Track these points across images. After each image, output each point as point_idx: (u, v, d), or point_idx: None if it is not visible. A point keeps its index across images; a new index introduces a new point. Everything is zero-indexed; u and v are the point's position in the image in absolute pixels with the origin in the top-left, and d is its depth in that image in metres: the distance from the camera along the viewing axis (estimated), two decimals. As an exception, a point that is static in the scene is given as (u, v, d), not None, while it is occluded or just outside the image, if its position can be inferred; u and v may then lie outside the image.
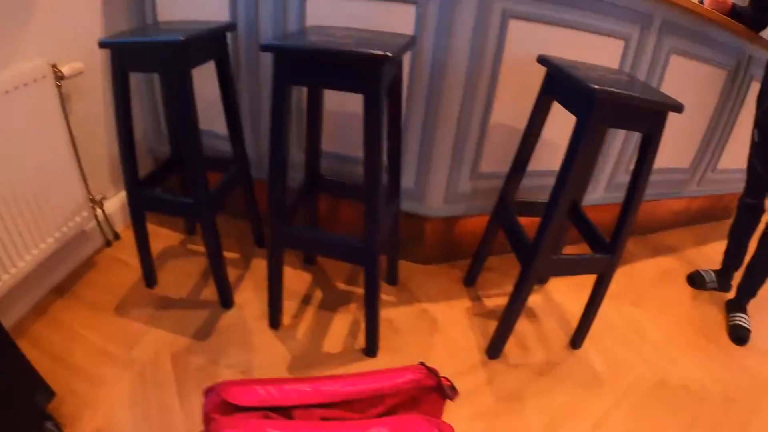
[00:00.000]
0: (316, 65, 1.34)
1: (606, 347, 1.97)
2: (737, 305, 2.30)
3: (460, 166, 1.98)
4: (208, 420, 0.94)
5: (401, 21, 1.75)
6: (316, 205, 2.03)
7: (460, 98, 1.83)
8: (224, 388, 0.96)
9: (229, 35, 1.85)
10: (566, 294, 2.20)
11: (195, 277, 2.03)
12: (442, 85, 1.80)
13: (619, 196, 2.42)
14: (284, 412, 0.96)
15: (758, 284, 2.24)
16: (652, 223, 2.90)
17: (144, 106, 2.22)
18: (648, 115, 1.51)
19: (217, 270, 1.81)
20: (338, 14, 1.79)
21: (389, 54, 1.25)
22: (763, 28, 2.30)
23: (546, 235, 1.58)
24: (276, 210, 1.56)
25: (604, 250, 1.75)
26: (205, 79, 1.94)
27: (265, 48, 1.33)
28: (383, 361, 1.73)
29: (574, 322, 1.96)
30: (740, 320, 2.22)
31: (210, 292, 1.94)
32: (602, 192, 2.40)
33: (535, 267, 1.63)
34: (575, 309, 2.08)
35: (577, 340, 1.93)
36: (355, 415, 0.99)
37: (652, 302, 2.31)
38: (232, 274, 2.05)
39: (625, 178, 2.42)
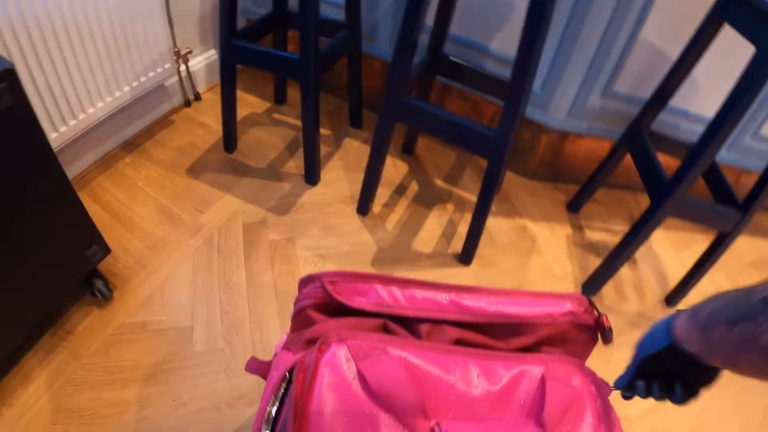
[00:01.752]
0: None
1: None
2: None
3: (596, 78, 1.75)
4: (305, 319, 0.75)
5: None
6: (430, 86, 1.83)
7: (610, 10, 1.60)
8: (333, 281, 0.74)
9: None
10: (668, 249, 2.03)
11: (279, 147, 1.89)
12: None
13: (743, 161, 2.20)
14: (408, 324, 0.74)
15: None
16: None
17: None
18: None
19: (309, 139, 1.66)
20: None
21: None
22: None
23: (691, 174, 1.38)
24: (397, 77, 1.39)
25: (737, 207, 1.56)
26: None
27: None
28: (475, 272, 1.59)
29: (672, 280, 1.80)
30: None
31: (294, 166, 1.80)
32: (725, 151, 2.18)
33: (668, 205, 1.45)
34: (673, 266, 1.91)
35: (673, 298, 1.77)
36: (498, 343, 0.78)
37: (748, 280, 2.13)
38: (322, 149, 1.90)
39: (752, 143, 2.19)
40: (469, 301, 0.78)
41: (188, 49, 1.90)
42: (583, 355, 0.85)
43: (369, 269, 1.50)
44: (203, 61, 2.04)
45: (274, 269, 1.47)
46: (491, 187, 1.43)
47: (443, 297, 0.77)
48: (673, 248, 2.02)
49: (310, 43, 1.47)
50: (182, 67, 1.92)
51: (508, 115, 1.31)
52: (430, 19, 1.62)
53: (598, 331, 0.82)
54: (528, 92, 1.30)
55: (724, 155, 2.19)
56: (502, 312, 0.78)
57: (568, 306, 0.82)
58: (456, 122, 1.40)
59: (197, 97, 2.05)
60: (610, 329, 0.82)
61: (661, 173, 1.51)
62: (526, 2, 1.15)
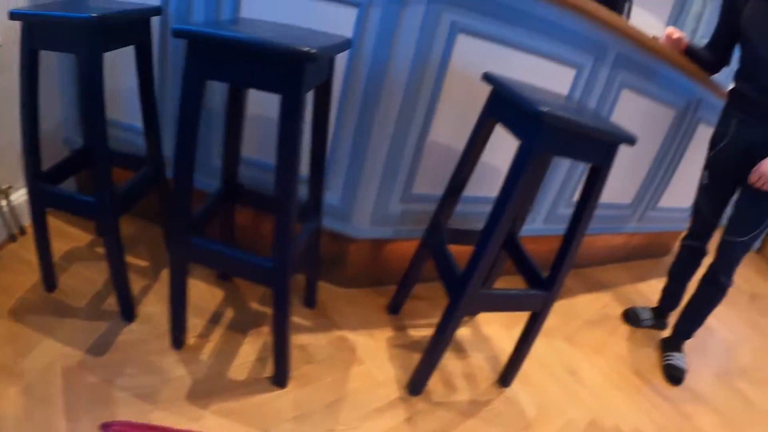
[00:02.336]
0: (232, 58, 1.17)
1: (537, 387, 1.87)
2: (673, 344, 2.29)
3: (392, 186, 1.83)
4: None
5: (342, 23, 1.60)
6: (232, 217, 1.84)
7: (397, 112, 1.70)
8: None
9: (157, 20, 1.70)
10: (497, 328, 2.09)
11: (98, 283, 1.82)
12: (379, 95, 1.66)
13: (559, 228, 2.35)
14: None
15: (695, 326, 2.24)
16: (588, 257, 2.84)
17: (66, 91, 1.99)
18: (599, 146, 1.41)
19: (117, 278, 1.61)
20: (276, 9, 1.63)
21: (313, 51, 1.09)
22: (717, 70, 2.28)
23: (477, 268, 1.45)
24: (179, 219, 1.38)
25: (541, 287, 1.64)
26: (129, 65, 1.74)
27: (176, 33, 1.15)
28: (292, 393, 1.56)
29: (504, 358, 1.85)
30: (675, 360, 2.21)
31: (113, 302, 1.74)
32: (541, 223, 2.32)
33: (464, 301, 1.50)
34: (506, 344, 1.97)
35: (506, 378, 1.82)
36: None
37: (586, 340, 2.23)
38: (138, 283, 1.84)
39: (566, 210, 2.34)
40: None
41: (9, 185, 1.84)
42: None
43: (184, 405, 1.45)
44: (26, 195, 1.97)
45: (93, 413, 1.39)
46: (283, 313, 1.42)
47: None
48: (504, 327, 2.08)
49: (104, 186, 1.45)
50: (3, 202, 1.84)
51: (279, 242, 1.32)
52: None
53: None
54: (293, 213, 1.31)
55: (541, 227, 2.32)
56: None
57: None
58: (236, 257, 1.41)
59: (22, 231, 1.96)
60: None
61: (453, 270, 1.57)
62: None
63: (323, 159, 1.58)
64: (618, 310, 2.56)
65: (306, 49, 1.09)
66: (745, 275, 4.00)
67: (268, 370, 1.62)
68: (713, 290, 2.12)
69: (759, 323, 3.22)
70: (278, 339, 1.48)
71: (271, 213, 1.82)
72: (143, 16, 1.55)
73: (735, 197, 2.11)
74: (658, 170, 2.69)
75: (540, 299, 1.64)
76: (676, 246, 2.38)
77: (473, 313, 2.12)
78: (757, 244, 4.90)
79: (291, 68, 1.14)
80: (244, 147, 1.72)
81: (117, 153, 1.84)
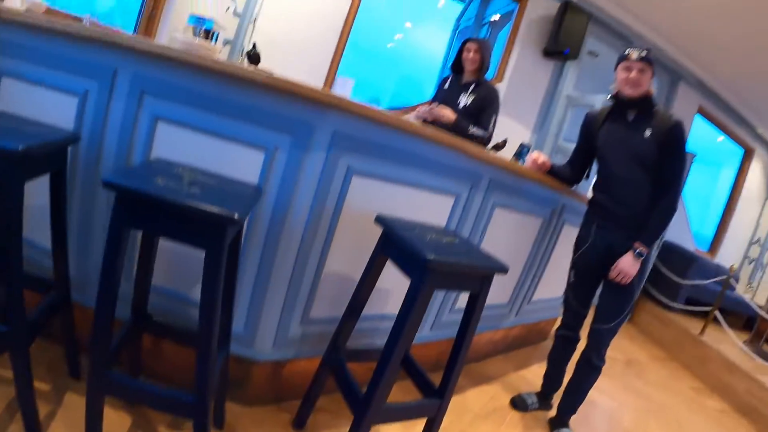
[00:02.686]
0: (161, 214, 1.31)
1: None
2: (559, 422, 2.57)
3: (292, 311, 1.97)
4: None
5: (249, 164, 1.77)
6: (139, 345, 1.89)
7: (297, 245, 1.86)
8: None
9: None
10: (396, 428, 2.23)
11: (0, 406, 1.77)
12: (281, 231, 1.82)
13: (446, 333, 2.57)
14: None
15: (578, 402, 2.52)
16: (473, 354, 3.05)
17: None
18: (476, 279, 1.65)
19: (25, 407, 1.58)
20: (186, 148, 1.77)
21: (236, 216, 1.25)
22: (577, 182, 2.69)
23: (380, 390, 1.61)
24: (98, 355, 1.43)
25: (434, 395, 1.82)
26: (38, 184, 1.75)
27: (107, 185, 1.26)
28: None
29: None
30: None
31: (18, 428, 1.69)
32: (428, 330, 2.53)
33: (368, 419, 1.64)
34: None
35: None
36: None
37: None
38: (43, 409, 1.80)
39: (450, 317, 2.58)
40: None
41: None
42: None
43: None
44: None
45: None
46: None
47: None
48: (402, 427, 2.22)
49: (18, 315, 1.47)
50: None
51: (201, 379, 1.42)
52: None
53: None
54: (215, 356, 1.42)
55: (428, 334, 2.54)
56: None
57: None
58: (156, 392, 1.47)
59: None
60: None
61: (355, 390, 1.72)
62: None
63: (233, 294, 1.71)
64: (506, 399, 2.78)
65: (232, 214, 1.25)
66: (618, 345, 4.43)
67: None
68: (588, 371, 2.42)
69: (636, 386, 3.62)
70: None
71: (180, 343, 1.89)
72: (63, 145, 1.60)
73: (599, 290, 2.45)
74: (531, 270, 3.03)
75: (434, 406, 1.81)
76: (552, 332, 2.66)
77: (376, 424, 2.25)
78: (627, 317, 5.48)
79: (216, 230, 1.29)
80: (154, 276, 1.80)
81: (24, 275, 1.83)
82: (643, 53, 2.25)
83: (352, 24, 4.64)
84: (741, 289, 7.21)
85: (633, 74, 2.25)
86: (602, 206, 2.38)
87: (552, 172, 2.62)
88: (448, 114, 2.96)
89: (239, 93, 1.73)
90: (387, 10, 9.35)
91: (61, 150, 1.63)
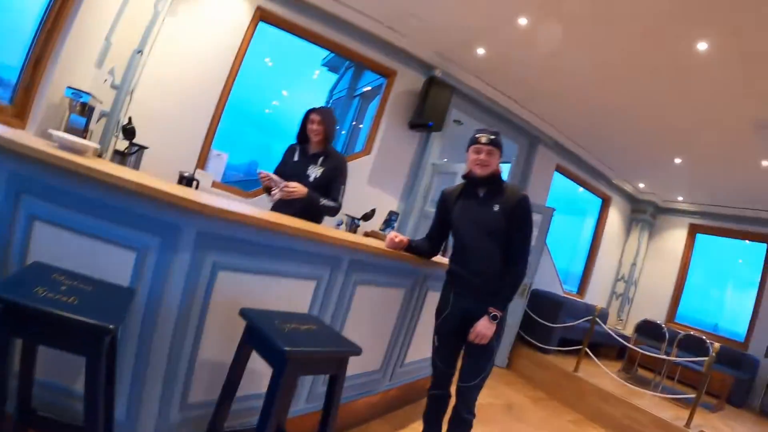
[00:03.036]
0: (42, 324, 1.40)
1: None
2: None
3: (171, 398, 2.06)
4: None
5: (122, 263, 1.88)
6: None
7: (170, 337, 1.97)
8: None
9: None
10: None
11: None
12: (154, 324, 1.93)
13: (320, 404, 2.71)
14: None
15: None
16: (351, 420, 3.17)
17: None
18: (333, 362, 1.85)
19: None
20: (63, 248, 1.83)
21: (113, 327, 1.39)
22: (435, 254, 2.97)
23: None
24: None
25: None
26: None
27: None
28: None
29: None
30: None
31: None
32: (304, 403, 2.65)
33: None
34: None
35: None
36: None
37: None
38: None
39: (323, 388, 2.73)
40: None
41: None
42: None
43: None
44: None
45: None
46: None
47: None
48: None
49: None
50: None
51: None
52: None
53: None
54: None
55: (304, 407, 2.67)
56: None
57: None
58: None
59: None
60: None
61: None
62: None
63: (113, 386, 1.79)
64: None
65: (109, 325, 1.39)
66: (497, 391, 4.80)
67: None
68: (460, 424, 2.59)
69: (517, 429, 3.88)
70: None
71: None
72: None
73: (462, 352, 2.65)
74: (399, 336, 3.25)
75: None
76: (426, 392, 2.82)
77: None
78: (504, 361, 5.84)
79: (94, 339, 1.42)
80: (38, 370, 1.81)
81: None
82: (492, 137, 2.56)
83: (228, 95, 4.85)
84: (612, 323, 7.88)
85: (482, 156, 2.54)
86: (458, 275, 2.62)
87: (410, 248, 2.87)
88: (300, 191, 3.06)
89: (111, 196, 1.83)
90: (265, 78, 9.66)
91: None
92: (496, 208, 2.53)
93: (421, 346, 3.51)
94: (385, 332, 3.13)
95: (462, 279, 2.61)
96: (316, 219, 3.21)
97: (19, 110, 3.54)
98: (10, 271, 1.81)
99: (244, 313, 1.93)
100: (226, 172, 5.02)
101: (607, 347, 6.75)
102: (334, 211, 3.24)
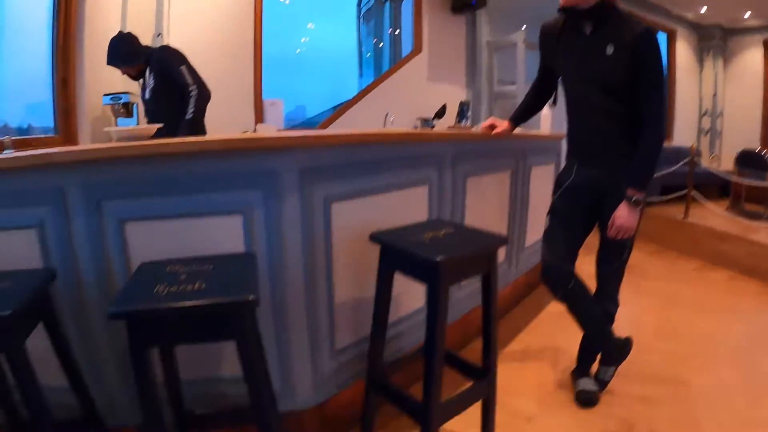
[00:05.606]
0: (176, 323, 1.28)
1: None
2: (579, 371, 2.39)
3: (320, 351, 1.97)
4: None
5: (230, 231, 1.74)
6: None
7: (302, 289, 1.85)
8: None
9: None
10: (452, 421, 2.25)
11: None
12: (284, 280, 1.81)
13: (459, 311, 2.63)
14: None
15: (595, 351, 2.35)
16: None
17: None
18: (484, 259, 1.69)
19: None
20: (161, 239, 1.73)
21: (253, 297, 1.25)
22: (545, 102, 2.44)
23: (433, 393, 1.63)
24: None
25: (481, 375, 1.85)
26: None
27: (114, 316, 1.23)
28: None
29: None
30: (583, 384, 2.30)
31: None
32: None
33: (434, 423, 1.67)
34: (469, 430, 2.14)
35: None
36: None
37: (524, 386, 2.48)
38: None
39: (458, 294, 2.62)
40: None
41: None
42: None
43: None
44: None
45: None
46: None
47: None
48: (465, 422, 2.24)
49: None
50: None
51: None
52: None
53: None
54: (276, 420, 1.43)
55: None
56: None
57: None
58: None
59: None
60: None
61: (411, 401, 1.76)
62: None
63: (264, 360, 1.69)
64: (536, 348, 2.86)
65: (251, 296, 1.25)
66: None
67: None
68: (602, 317, 2.20)
69: (644, 286, 3.80)
70: None
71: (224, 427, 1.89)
72: (45, 289, 1.52)
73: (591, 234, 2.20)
74: (514, 222, 3.09)
75: (485, 386, 1.85)
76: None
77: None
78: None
79: (238, 317, 1.30)
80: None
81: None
82: None
83: (261, 43, 4.60)
84: (706, 162, 7.46)
85: None
86: (576, 140, 2.14)
87: (515, 120, 2.41)
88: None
89: (198, 165, 1.69)
90: (287, 17, 9.29)
91: (45, 295, 1.56)
92: (610, 50, 1.88)
93: (536, 228, 3.34)
94: (501, 220, 2.97)
95: (581, 143, 2.12)
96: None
97: (66, 136, 3.51)
98: (118, 286, 1.73)
99: (376, 237, 1.77)
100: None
101: (706, 188, 6.35)
102: (200, 100, 3.00)
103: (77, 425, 1.78)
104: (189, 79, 2.96)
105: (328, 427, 2.10)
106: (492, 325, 1.80)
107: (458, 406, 1.82)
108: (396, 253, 1.72)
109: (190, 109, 2.94)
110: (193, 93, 2.95)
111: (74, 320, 1.81)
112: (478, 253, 1.65)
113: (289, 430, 2.01)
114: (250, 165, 1.72)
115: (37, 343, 1.52)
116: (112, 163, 1.67)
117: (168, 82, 2.96)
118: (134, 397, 1.82)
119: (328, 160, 1.85)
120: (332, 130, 4.36)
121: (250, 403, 1.39)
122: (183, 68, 2.98)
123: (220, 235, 1.74)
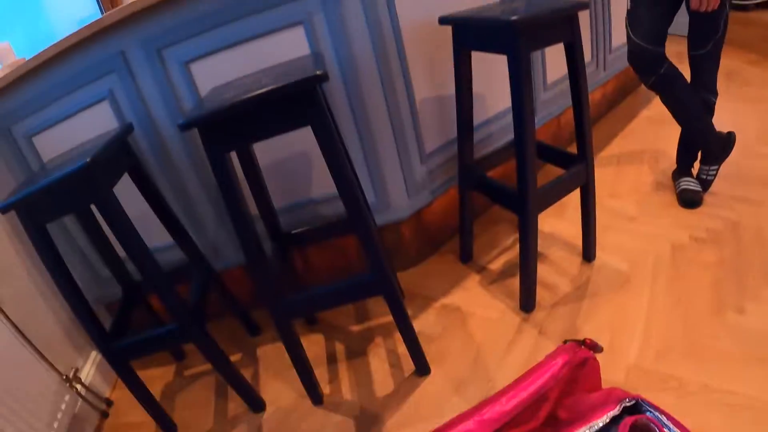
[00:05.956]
0: (246, 118, 1.23)
1: (614, 246, 2.00)
2: (680, 171, 2.26)
3: (409, 157, 1.91)
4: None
5: (296, 45, 1.67)
6: (292, 266, 1.91)
7: (380, 91, 1.77)
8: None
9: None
10: (552, 221, 2.18)
11: (211, 400, 1.86)
12: (359, 84, 1.74)
13: (546, 114, 2.45)
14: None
15: (695, 149, 2.20)
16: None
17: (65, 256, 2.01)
18: (564, 25, 1.51)
19: (233, 380, 1.67)
20: (227, 67, 1.68)
21: (321, 72, 1.17)
22: None
23: (528, 177, 1.55)
24: (266, 287, 1.45)
25: (577, 161, 1.74)
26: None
27: (184, 126, 1.20)
28: (440, 373, 1.65)
29: (576, 241, 1.98)
30: (686, 184, 2.18)
31: (236, 406, 1.78)
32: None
33: (532, 209, 1.61)
34: (571, 230, 2.08)
35: (588, 253, 1.94)
36: (529, 425, 0.93)
37: (622, 188, 2.38)
38: (246, 373, 1.89)
39: (546, 95, 2.44)
40: (488, 413, 0.93)
41: (74, 369, 1.85)
42: (596, 381, 1.04)
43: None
44: (92, 367, 1.99)
45: None
46: (401, 311, 1.52)
47: (469, 424, 0.92)
48: (556, 218, 2.17)
49: (180, 311, 1.51)
50: (79, 387, 1.85)
51: (372, 253, 1.41)
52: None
53: (590, 352, 0.99)
54: (371, 222, 1.40)
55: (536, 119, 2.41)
56: (518, 402, 0.94)
57: (560, 360, 0.99)
58: (338, 290, 1.50)
59: (109, 403, 1.98)
60: (597, 344, 1.00)
61: (508, 191, 1.68)
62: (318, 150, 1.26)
63: (350, 164, 1.64)
64: (629, 153, 2.69)
65: (317, 72, 1.18)
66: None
67: (407, 368, 1.70)
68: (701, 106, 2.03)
69: (747, 94, 3.37)
70: (407, 334, 1.57)
71: (320, 242, 1.90)
72: (123, 139, 1.56)
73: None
74: (598, 19, 2.79)
75: (583, 171, 1.74)
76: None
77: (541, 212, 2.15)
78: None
79: (311, 97, 1.22)
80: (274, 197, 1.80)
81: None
82: None
83: None
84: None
85: None
86: None
87: None
88: None
89: None
90: None
91: (124, 145, 1.60)
92: None
93: (620, 26, 3.03)
94: (584, 17, 2.67)
95: None
96: None
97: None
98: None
99: (446, 19, 1.65)
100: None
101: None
102: None
103: (185, 273, 1.84)
104: None
105: (428, 237, 2.09)
106: (584, 101, 1.65)
107: (556, 191, 1.73)
108: (468, 27, 1.59)
109: None
110: None
111: (164, 173, 1.87)
112: (556, 15, 1.47)
113: (393, 244, 2.01)
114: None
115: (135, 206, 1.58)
116: (163, 11, 1.62)
117: None
118: (234, 237, 1.89)
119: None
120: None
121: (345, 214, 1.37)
122: None
123: (284, 51, 1.67)
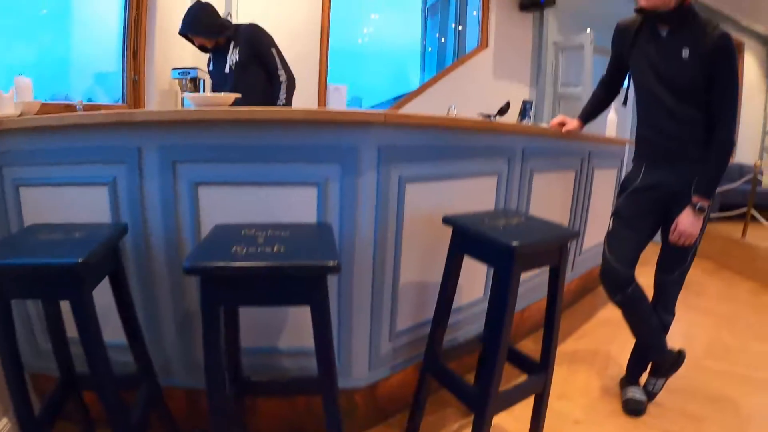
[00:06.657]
0: (253, 283, 1.29)
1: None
2: (628, 380, 2.37)
3: (380, 331, 1.96)
4: None
5: (303, 201, 1.75)
6: (244, 411, 1.91)
7: (370, 267, 1.85)
8: None
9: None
10: (501, 415, 2.22)
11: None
12: (353, 255, 1.81)
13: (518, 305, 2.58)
14: None
15: (646, 362, 2.31)
16: (541, 320, 3.01)
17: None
18: (555, 251, 1.67)
19: None
20: (234, 203, 1.75)
21: (333, 263, 1.25)
22: (613, 99, 2.43)
23: (494, 381, 1.63)
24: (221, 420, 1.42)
25: (537, 370, 1.84)
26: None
27: (190, 271, 1.23)
28: None
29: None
30: (632, 393, 2.28)
31: None
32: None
33: (490, 411, 1.66)
34: (515, 426, 2.13)
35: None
36: None
37: (572, 390, 2.45)
38: None
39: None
40: None
41: None
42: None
43: None
44: None
45: None
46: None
47: None
48: (505, 412, 2.23)
49: (121, 424, 1.46)
50: None
51: (333, 418, 1.44)
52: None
53: None
54: (336, 391, 1.44)
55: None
56: None
57: None
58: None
59: None
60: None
61: (467, 390, 1.75)
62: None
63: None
64: (586, 353, 2.82)
65: (331, 262, 1.25)
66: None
67: None
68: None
69: (697, 304, 3.66)
70: None
71: (280, 396, 1.93)
72: (115, 242, 1.53)
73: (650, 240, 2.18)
74: (576, 223, 3.05)
75: (541, 380, 1.84)
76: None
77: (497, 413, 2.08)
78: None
79: (317, 282, 1.29)
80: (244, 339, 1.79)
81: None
82: None
83: (328, 29, 4.62)
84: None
85: None
86: (645, 141, 2.08)
87: (584, 117, 2.40)
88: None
89: (278, 135, 1.71)
90: (351, 6, 9.30)
91: (115, 248, 1.58)
92: (686, 53, 1.87)
93: (595, 232, 3.30)
94: (563, 220, 2.93)
95: (651, 145, 2.06)
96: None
97: (135, 106, 3.62)
98: (187, 248, 1.78)
99: (449, 220, 1.77)
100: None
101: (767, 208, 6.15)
102: (290, 87, 3.01)
103: (132, 381, 1.79)
104: (278, 63, 3.00)
105: (378, 408, 2.11)
106: (556, 319, 1.78)
107: (512, 398, 1.81)
108: (470, 236, 1.71)
109: (282, 95, 2.97)
110: (283, 79, 2.98)
111: (139, 278, 1.85)
112: (551, 243, 1.63)
113: (346, 408, 2.02)
114: (331, 139, 1.72)
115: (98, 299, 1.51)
116: (191, 127, 1.70)
117: (255, 59, 2.97)
118: (189, 359, 1.89)
119: (405, 141, 1.84)
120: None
121: (317, 373, 1.39)
122: (273, 50, 3.00)
123: (293, 205, 1.76)
